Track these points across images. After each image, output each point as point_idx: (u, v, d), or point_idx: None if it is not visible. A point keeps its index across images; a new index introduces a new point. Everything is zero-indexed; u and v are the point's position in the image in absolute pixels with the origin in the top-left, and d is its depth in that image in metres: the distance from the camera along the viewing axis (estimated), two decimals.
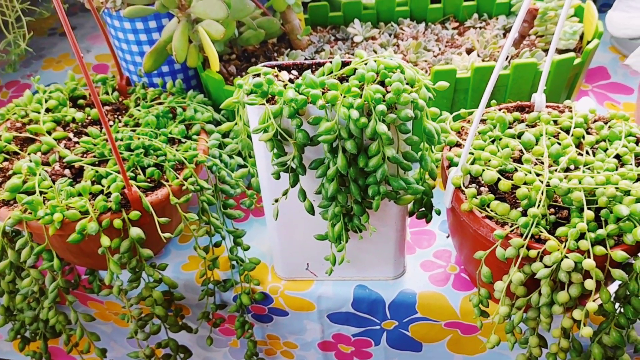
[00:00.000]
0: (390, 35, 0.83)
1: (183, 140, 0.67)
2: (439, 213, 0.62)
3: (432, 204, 0.61)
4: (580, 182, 0.52)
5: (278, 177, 0.56)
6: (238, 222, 0.76)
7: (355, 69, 0.56)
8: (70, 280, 0.69)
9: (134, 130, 0.67)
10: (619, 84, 0.93)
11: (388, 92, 0.52)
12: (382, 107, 0.50)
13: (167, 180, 0.62)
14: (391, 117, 0.51)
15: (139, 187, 0.60)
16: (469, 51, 0.79)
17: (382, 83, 0.54)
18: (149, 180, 0.62)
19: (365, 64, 0.56)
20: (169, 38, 0.72)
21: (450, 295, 0.66)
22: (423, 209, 0.62)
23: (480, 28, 0.83)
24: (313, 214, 0.58)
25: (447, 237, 0.72)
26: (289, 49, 0.81)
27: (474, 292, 0.66)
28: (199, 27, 0.70)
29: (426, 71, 0.76)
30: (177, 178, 0.62)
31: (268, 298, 0.69)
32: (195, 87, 0.85)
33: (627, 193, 0.51)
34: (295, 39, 0.81)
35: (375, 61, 0.55)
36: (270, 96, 0.54)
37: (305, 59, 0.80)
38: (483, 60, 0.76)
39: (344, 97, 0.52)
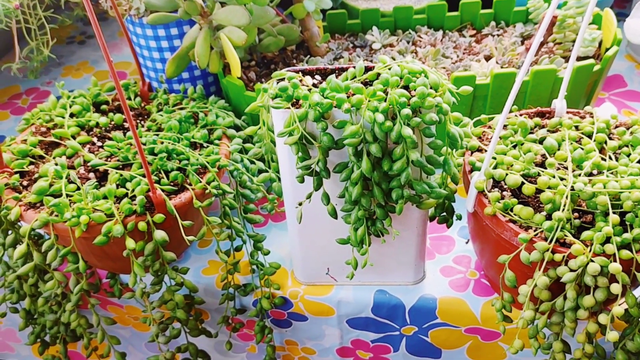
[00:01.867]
0: (408, 42, 0.83)
1: (205, 144, 0.67)
2: (459, 218, 0.62)
3: (454, 209, 0.62)
4: (604, 186, 0.52)
5: (302, 181, 0.56)
6: (257, 227, 0.76)
7: (379, 74, 0.57)
8: (93, 283, 0.69)
9: (157, 135, 0.67)
10: (635, 92, 0.93)
11: (412, 96, 0.53)
12: (407, 110, 0.50)
13: (190, 184, 0.62)
14: (416, 121, 0.51)
15: (163, 191, 0.60)
16: (487, 58, 0.79)
17: (406, 87, 0.55)
18: (172, 184, 0.62)
19: (389, 69, 0.56)
20: (192, 44, 0.72)
21: (470, 300, 0.65)
22: (444, 213, 0.62)
23: (498, 36, 0.84)
24: (336, 217, 0.58)
25: (467, 242, 0.72)
26: (307, 56, 0.81)
27: (495, 297, 0.66)
28: (220, 33, 0.71)
29: (445, 78, 0.76)
30: (200, 182, 0.62)
31: (288, 303, 0.69)
32: (215, 93, 0.86)
33: None
34: (314, 46, 0.82)
35: (399, 66, 0.56)
36: (294, 100, 0.55)
37: None
38: (502, 67, 0.76)
39: (369, 101, 0.52)
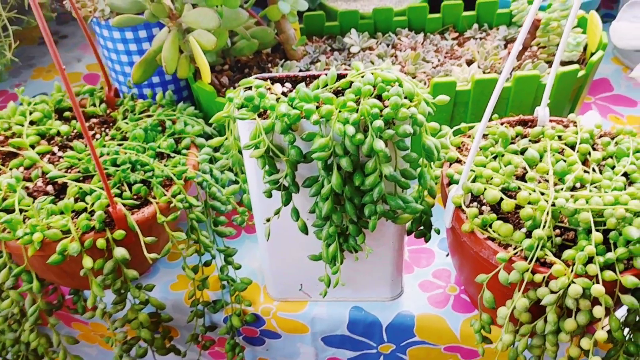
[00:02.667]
0: (388, 45, 0.80)
1: (172, 155, 0.64)
2: (438, 232, 0.59)
3: (431, 223, 0.59)
4: (587, 202, 0.49)
5: (270, 196, 0.53)
6: (229, 240, 0.73)
7: (352, 82, 0.54)
8: (53, 301, 0.66)
9: (121, 144, 0.64)
10: (622, 96, 0.90)
11: (386, 106, 0.50)
12: (379, 122, 0.47)
13: (154, 197, 0.59)
14: (389, 134, 0.48)
15: (124, 205, 0.57)
16: (469, 62, 0.76)
17: (379, 97, 0.52)
18: (135, 197, 0.59)
19: (362, 77, 0.53)
20: (159, 48, 0.69)
21: (450, 317, 0.63)
22: (422, 227, 0.60)
23: (481, 39, 0.81)
24: (307, 233, 0.55)
25: (447, 255, 0.69)
26: (283, 60, 0.78)
27: (474, 314, 0.63)
28: (189, 37, 0.67)
29: (425, 83, 0.73)
30: (165, 195, 0.59)
31: (260, 320, 0.66)
32: (187, 98, 0.82)
33: (637, 214, 0.48)
34: (290, 50, 0.78)
35: (372, 74, 0.53)
36: (262, 110, 0.52)
37: (300, 70, 0.78)
38: (484, 72, 0.74)
39: (340, 112, 0.49)
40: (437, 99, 0.52)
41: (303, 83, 0.54)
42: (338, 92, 0.54)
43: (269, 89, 0.54)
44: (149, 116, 0.69)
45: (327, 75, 0.54)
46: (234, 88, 0.75)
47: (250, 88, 0.54)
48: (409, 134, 0.48)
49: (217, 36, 0.68)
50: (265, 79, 0.56)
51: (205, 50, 0.67)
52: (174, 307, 0.67)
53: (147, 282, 0.66)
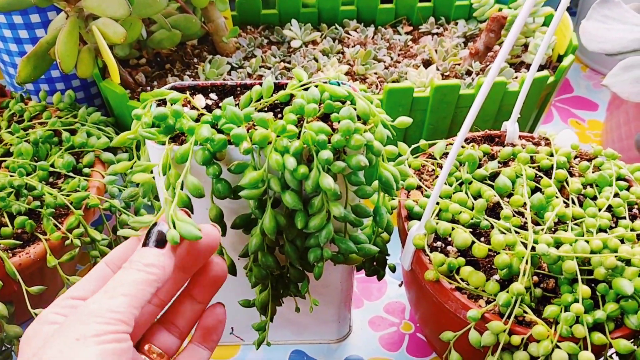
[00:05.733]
0: (334, 40, 0.70)
1: (71, 175, 0.52)
2: (393, 270, 0.50)
3: (386, 260, 0.50)
4: (572, 246, 0.41)
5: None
6: None
7: (292, 95, 0.43)
8: None
9: (2, 162, 0.51)
10: (583, 99, 0.84)
11: (334, 129, 0.40)
12: (327, 153, 0.37)
13: (44, 233, 0.47)
14: (339, 166, 0.38)
15: (1, 246, 0.45)
16: (425, 62, 0.67)
17: (326, 116, 0.42)
18: (18, 232, 0.47)
19: (306, 89, 0.43)
20: (53, 39, 0.56)
21: None
22: (375, 264, 0.51)
23: (438, 35, 0.72)
24: (235, 274, 0.45)
25: (400, 285, 0.61)
26: (211, 56, 0.66)
27: (432, 358, 0.55)
28: (93, 26, 0.55)
29: (377, 86, 0.64)
30: (59, 229, 0.47)
31: None
32: (97, 97, 0.69)
33: (627, 262, 0.41)
34: (220, 42, 0.67)
35: (317, 86, 0.43)
36: (177, 132, 0.41)
37: (232, 67, 0.66)
38: (442, 74, 0.65)
39: (278, 137, 0.39)
40: (398, 121, 0.42)
41: (232, 97, 0.43)
42: (276, 107, 0.44)
43: (189, 102, 0.43)
44: (43, 123, 0.56)
45: (263, 85, 0.43)
46: (151, 88, 0.63)
47: (164, 102, 0.43)
48: (363, 166, 0.39)
49: (127, 26, 0.56)
50: (184, 89, 0.45)
51: (112, 43, 0.54)
52: None
53: None
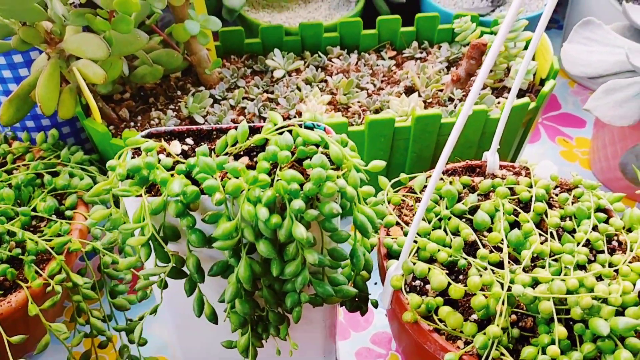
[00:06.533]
0: (317, 68, 0.70)
1: (53, 218, 0.52)
2: (376, 306, 0.50)
3: (368, 297, 0.50)
4: (548, 284, 0.41)
5: (164, 287, 0.43)
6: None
7: (267, 140, 0.44)
8: None
9: None
10: (570, 115, 0.84)
11: (308, 177, 0.40)
12: (299, 203, 0.38)
13: (25, 280, 0.47)
14: (312, 215, 0.39)
15: None
16: (408, 89, 0.67)
17: (299, 161, 0.42)
18: (0, 280, 0.47)
19: (280, 133, 0.43)
20: (35, 80, 0.56)
21: None
22: (357, 300, 0.51)
23: (421, 60, 0.72)
24: (216, 322, 0.46)
25: (387, 314, 0.61)
26: (194, 89, 0.67)
27: None
28: (73, 67, 0.55)
29: (359, 116, 0.64)
30: (40, 275, 0.47)
31: None
32: (82, 130, 0.69)
33: (604, 300, 0.41)
34: (203, 74, 0.67)
35: (291, 130, 0.43)
36: (151, 183, 0.41)
37: (215, 100, 0.66)
38: (425, 102, 0.65)
39: (249, 188, 0.39)
40: (371, 165, 0.42)
41: (206, 145, 0.43)
42: (252, 150, 0.44)
43: (164, 150, 0.43)
44: (26, 165, 0.56)
45: (238, 129, 0.44)
46: (135, 124, 0.63)
47: (139, 151, 0.43)
48: (336, 214, 0.39)
49: (107, 66, 0.57)
50: (160, 135, 0.45)
51: (93, 84, 0.55)
52: None
53: None
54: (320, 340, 0.53)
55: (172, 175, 0.40)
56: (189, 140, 0.45)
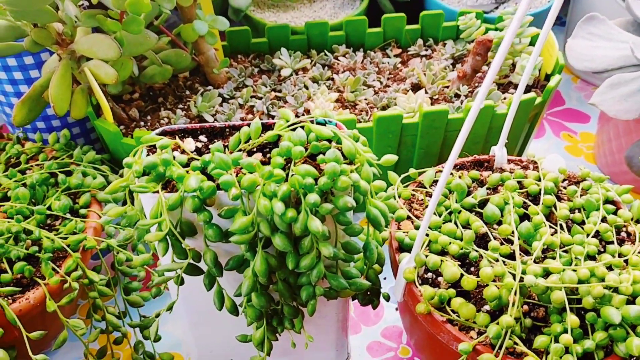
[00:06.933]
0: (323, 66, 0.71)
1: (68, 217, 0.53)
2: (387, 299, 0.51)
3: (380, 290, 0.51)
4: (559, 274, 0.42)
5: (180, 283, 0.43)
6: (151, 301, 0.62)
7: (279, 136, 0.44)
8: None
9: (1, 206, 0.52)
10: (574, 111, 0.85)
11: (321, 171, 0.41)
12: (314, 197, 0.38)
13: (42, 277, 0.48)
14: (326, 208, 0.39)
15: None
16: (414, 86, 0.68)
17: (312, 156, 0.43)
18: (17, 278, 0.48)
19: (293, 129, 0.44)
20: (47, 81, 0.57)
21: None
22: (369, 293, 0.51)
23: (426, 57, 0.73)
24: (237, 314, 0.46)
25: (397, 309, 0.62)
26: (203, 88, 0.67)
27: None
28: (85, 67, 0.56)
29: (367, 113, 0.64)
30: (57, 273, 0.48)
31: None
32: (93, 130, 0.70)
33: (616, 289, 0.41)
34: (211, 73, 0.68)
35: (304, 127, 0.43)
36: (167, 179, 0.42)
37: (224, 99, 0.67)
38: (432, 99, 0.66)
39: (265, 183, 0.39)
40: (383, 159, 0.43)
41: (220, 142, 0.44)
42: (264, 147, 0.45)
43: (179, 147, 0.44)
44: (39, 165, 0.57)
45: (251, 127, 0.44)
46: (144, 124, 0.64)
47: (154, 148, 0.44)
48: (350, 207, 0.39)
49: (119, 67, 0.57)
50: (174, 133, 0.46)
51: (104, 84, 0.55)
52: None
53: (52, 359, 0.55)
54: (333, 334, 0.53)
55: (187, 171, 0.41)
56: (202, 138, 0.46)
